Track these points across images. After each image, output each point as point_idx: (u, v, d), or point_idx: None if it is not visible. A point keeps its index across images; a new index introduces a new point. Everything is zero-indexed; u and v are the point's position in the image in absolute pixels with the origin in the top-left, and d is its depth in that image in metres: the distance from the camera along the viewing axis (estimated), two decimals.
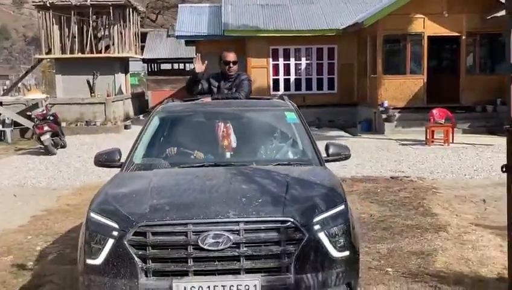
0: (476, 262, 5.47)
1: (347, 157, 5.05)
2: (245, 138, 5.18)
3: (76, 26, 23.69)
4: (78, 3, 23.79)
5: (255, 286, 3.45)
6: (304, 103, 18.24)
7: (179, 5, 25.61)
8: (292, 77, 20.00)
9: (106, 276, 3.56)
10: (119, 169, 4.77)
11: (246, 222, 3.52)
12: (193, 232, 3.47)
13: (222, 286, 3.44)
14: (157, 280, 3.49)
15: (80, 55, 23.47)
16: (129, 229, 3.53)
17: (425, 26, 17.00)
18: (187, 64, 32.97)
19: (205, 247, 3.45)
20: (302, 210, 3.68)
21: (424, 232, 6.58)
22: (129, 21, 24.35)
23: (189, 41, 23.02)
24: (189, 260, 3.47)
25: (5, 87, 29.21)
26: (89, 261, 3.64)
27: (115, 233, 3.56)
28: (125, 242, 3.51)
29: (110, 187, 4.24)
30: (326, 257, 3.61)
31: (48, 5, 23.04)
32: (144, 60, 31.40)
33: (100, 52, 24.34)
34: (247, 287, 3.45)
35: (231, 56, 6.09)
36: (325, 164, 4.77)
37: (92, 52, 23.58)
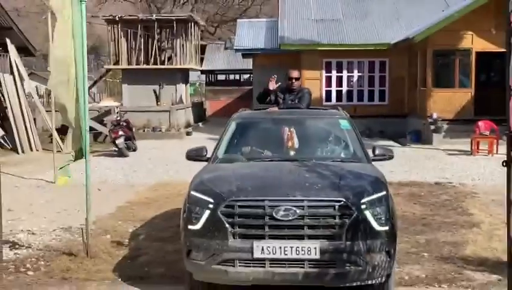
0: (500, 251, 6.34)
1: (391, 157, 5.98)
2: (306, 140, 6.13)
3: (142, 39, 25.39)
4: (145, 18, 25.59)
5: (315, 248, 4.42)
6: (355, 113, 19.14)
7: (238, 20, 27.01)
8: (344, 89, 21.01)
9: (204, 237, 4.58)
10: (206, 162, 5.90)
11: (309, 200, 4.52)
12: (269, 206, 4.47)
13: (290, 247, 4.42)
14: (242, 241, 4.49)
15: (144, 66, 25.13)
16: (222, 202, 4.55)
17: (473, 42, 17.71)
18: (242, 75, 34.43)
19: (278, 217, 4.44)
20: (352, 193, 4.64)
21: (459, 228, 7.52)
22: (190, 34, 25.90)
23: (246, 54, 24.31)
24: (265, 227, 4.47)
25: None
26: (190, 227, 4.68)
27: (211, 206, 4.59)
28: (219, 212, 4.53)
29: (204, 174, 5.38)
30: (370, 230, 4.54)
31: (117, 19, 24.86)
32: (202, 71, 32.97)
33: (163, 63, 25.98)
34: (309, 249, 4.42)
35: (294, 73, 7.44)
36: (372, 162, 5.75)
37: (155, 64, 25.20)
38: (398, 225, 5.00)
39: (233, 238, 4.49)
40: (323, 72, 20.83)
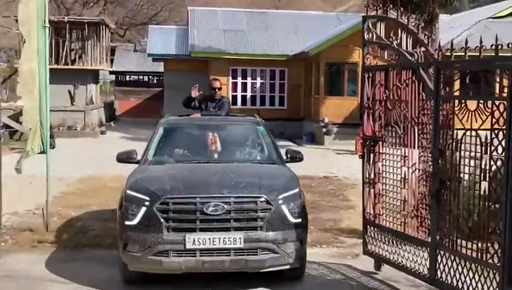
0: None
1: (301, 159, 6.81)
2: (227, 144, 6.81)
3: (53, 40, 25.93)
4: (56, 20, 26.19)
5: (240, 238, 5.05)
6: (258, 116, 21.27)
7: (150, 26, 28.27)
8: (248, 94, 23.10)
9: (140, 232, 5.09)
10: (136, 164, 6.40)
11: (235, 197, 5.16)
12: (200, 202, 5.07)
13: (218, 238, 5.03)
14: (175, 234, 5.04)
15: (55, 66, 25.67)
16: (157, 200, 5.10)
17: (360, 56, 20.28)
18: (151, 78, 35.59)
19: (208, 212, 5.05)
20: (271, 190, 5.33)
21: (339, 209, 9.63)
22: (102, 37, 26.84)
23: (157, 58, 25.69)
24: (196, 221, 5.05)
25: None
26: (127, 223, 5.20)
27: (147, 203, 5.13)
28: (154, 209, 5.08)
29: (138, 174, 5.91)
30: (286, 221, 5.24)
31: None
32: (111, 72, 33.83)
33: (74, 62, 26.66)
34: (234, 239, 5.04)
35: (217, 84, 8.19)
36: (286, 163, 6.57)
37: (66, 64, 25.89)
38: (308, 216, 5.77)
39: (168, 231, 5.03)
40: (230, 78, 22.77)
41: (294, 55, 22.18)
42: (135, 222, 5.12)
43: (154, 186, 5.34)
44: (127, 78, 35.97)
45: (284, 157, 6.67)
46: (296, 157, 6.75)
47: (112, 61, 31.75)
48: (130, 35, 40.55)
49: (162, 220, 5.03)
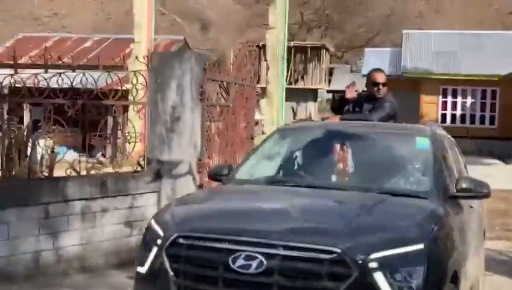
0: None
1: (481, 195, 3.92)
2: (365, 163, 4.33)
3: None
4: None
5: None
6: (467, 134, 22.05)
7: (366, 49, 30.54)
8: (458, 112, 23.92)
9: (148, 287, 3.32)
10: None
11: (286, 247, 2.99)
12: (226, 250, 3.08)
13: None
14: None
15: None
16: (168, 237, 3.25)
17: None
18: None
19: (234, 268, 3.00)
20: (357, 242, 3.00)
21: None
22: (321, 59, 29.84)
23: None
24: (218, 281, 3.05)
25: None
26: (138, 269, 3.43)
27: (159, 241, 3.29)
28: (164, 252, 3.23)
29: (187, 197, 4.31)
30: None
31: (260, 45, 29.36)
32: (328, 91, 36.86)
33: (296, 82, 29.99)
34: None
35: (380, 77, 5.41)
36: (451, 199, 3.86)
37: (290, 84, 29.31)
38: None
39: None
40: (440, 97, 23.91)
41: (507, 74, 22.42)
42: (144, 269, 3.37)
43: (180, 214, 3.57)
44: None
45: (453, 189, 3.92)
46: (476, 192, 3.90)
47: (329, 81, 34.70)
48: (347, 57, 43.25)
49: (170, 272, 3.18)
